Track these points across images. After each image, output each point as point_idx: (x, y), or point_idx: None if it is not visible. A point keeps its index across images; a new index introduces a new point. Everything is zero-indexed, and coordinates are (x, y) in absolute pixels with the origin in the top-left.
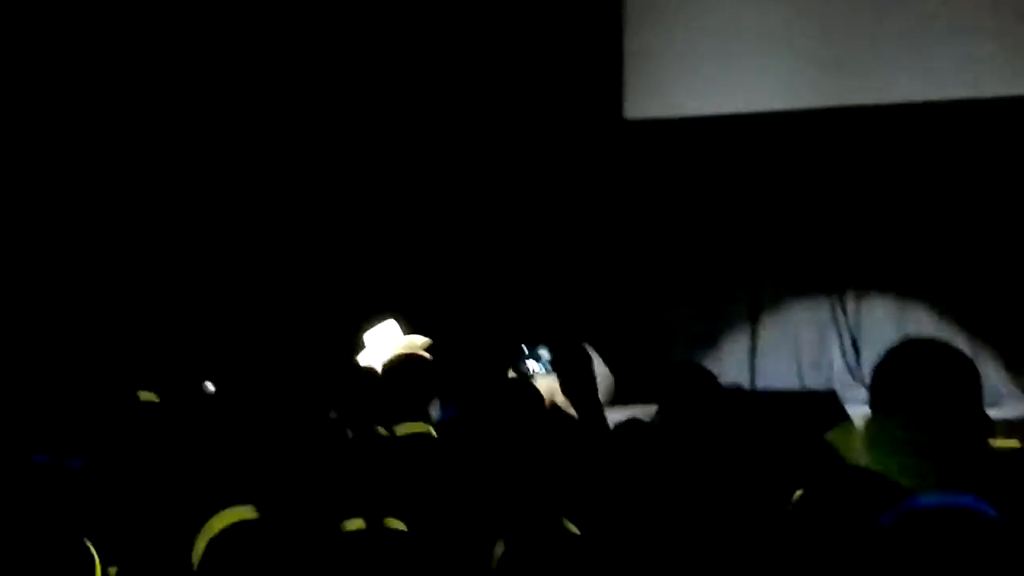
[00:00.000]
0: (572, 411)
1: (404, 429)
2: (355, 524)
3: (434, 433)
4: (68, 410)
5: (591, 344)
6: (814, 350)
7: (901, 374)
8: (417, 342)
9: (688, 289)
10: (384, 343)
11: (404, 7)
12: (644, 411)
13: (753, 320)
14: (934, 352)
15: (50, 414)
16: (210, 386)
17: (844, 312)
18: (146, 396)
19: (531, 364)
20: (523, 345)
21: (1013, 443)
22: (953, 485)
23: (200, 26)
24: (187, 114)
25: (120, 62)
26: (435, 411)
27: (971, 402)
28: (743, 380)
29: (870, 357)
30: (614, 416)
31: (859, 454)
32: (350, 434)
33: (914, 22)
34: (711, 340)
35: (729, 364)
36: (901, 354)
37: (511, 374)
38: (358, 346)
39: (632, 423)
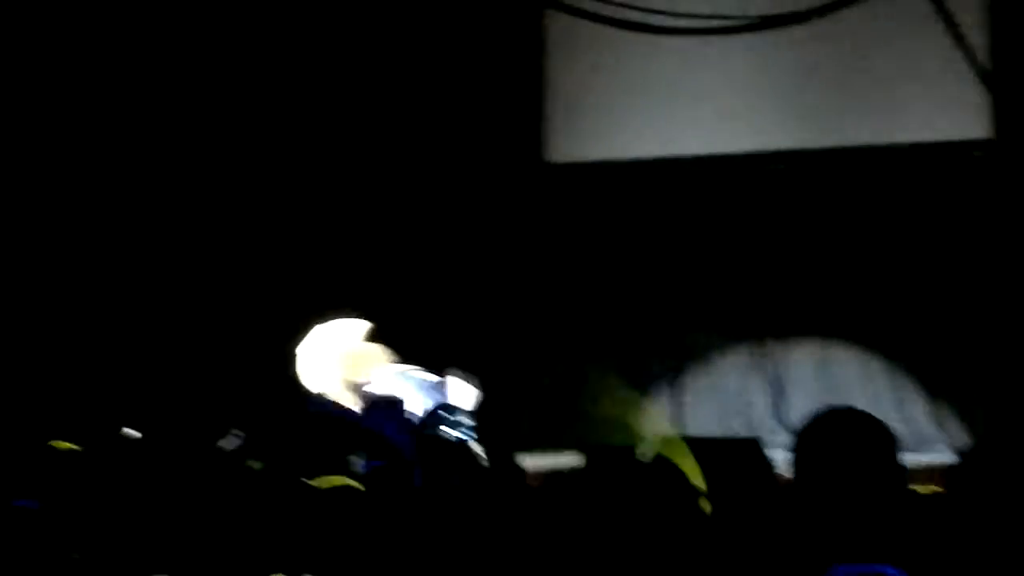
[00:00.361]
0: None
1: (327, 482)
2: None
3: (359, 486)
4: None
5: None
6: (738, 396)
7: (822, 445)
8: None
9: (610, 336)
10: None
11: (327, 44)
12: (560, 460)
13: (677, 366)
14: (853, 422)
15: None
16: (132, 432)
17: (768, 356)
18: (64, 445)
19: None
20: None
21: (935, 488)
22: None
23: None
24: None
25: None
26: (359, 463)
27: (889, 470)
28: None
29: (795, 402)
30: (532, 463)
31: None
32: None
33: (832, 68)
34: (634, 387)
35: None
36: (821, 424)
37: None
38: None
39: (555, 477)
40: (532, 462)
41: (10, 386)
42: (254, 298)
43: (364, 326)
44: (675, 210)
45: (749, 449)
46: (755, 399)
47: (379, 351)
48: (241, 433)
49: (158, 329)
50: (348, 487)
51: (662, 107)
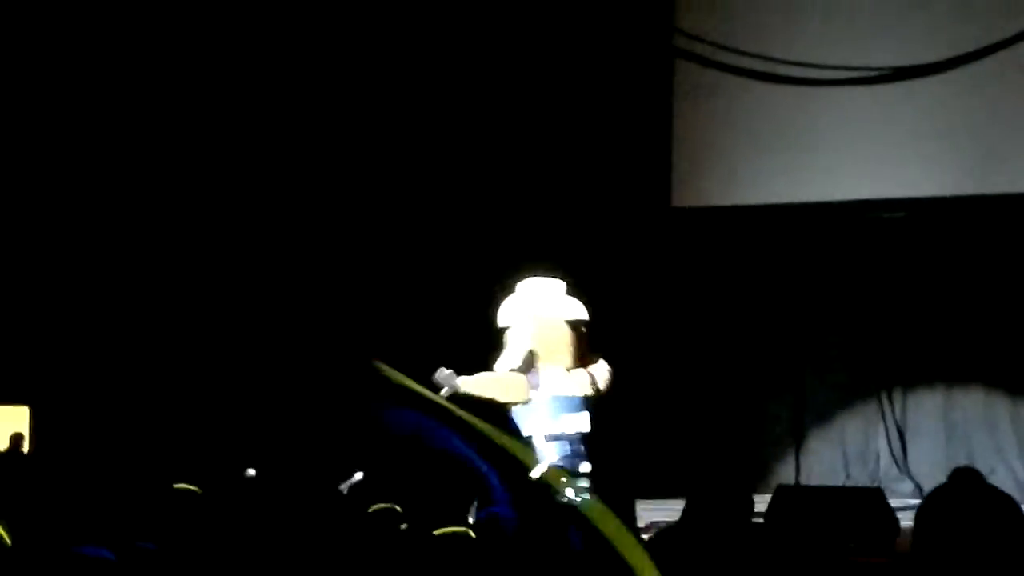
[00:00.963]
0: None
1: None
2: None
3: (472, 534)
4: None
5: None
6: (860, 444)
7: (947, 511)
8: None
9: (733, 382)
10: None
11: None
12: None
13: (798, 413)
14: (980, 493)
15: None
16: (251, 472)
17: (891, 404)
18: (185, 487)
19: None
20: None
21: None
22: None
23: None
24: None
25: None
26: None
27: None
28: (789, 476)
29: (917, 450)
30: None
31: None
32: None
33: (962, 118)
34: (757, 434)
35: (775, 459)
36: (946, 494)
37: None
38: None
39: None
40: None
41: (130, 427)
42: (363, 340)
43: (560, 286)
44: (797, 255)
45: (872, 499)
46: (876, 446)
47: (566, 335)
48: (360, 475)
49: (273, 371)
50: (462, 534)
51: (785, 154)
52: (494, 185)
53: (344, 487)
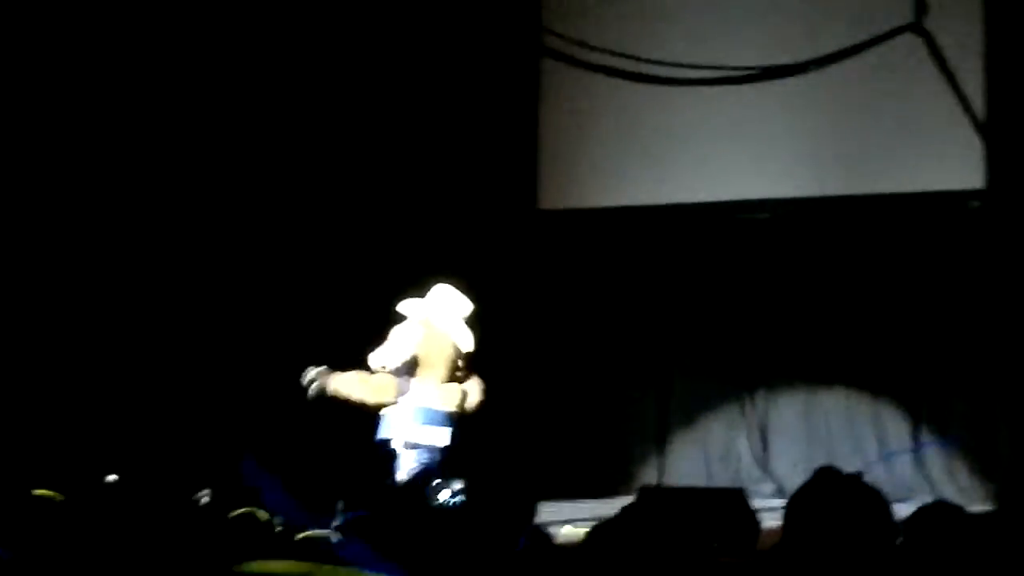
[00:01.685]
0: None
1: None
2: None
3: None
4: None
5: None
6: (722, 445)
7: (815, 508)
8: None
9: (597, 382)
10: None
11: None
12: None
13: (662, 415)
14: (846, 488)
15: None
16: (111, 477)
17: (753, 405)
18: (45, 493)
19: (443, 494)
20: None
21: None
22: None
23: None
24: None
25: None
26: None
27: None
28: (651, 476)
29: (778, 451)
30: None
31: None
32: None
33: (827, 118)
34: (620, 435)
35: (637, 459)
36: (815, 488)
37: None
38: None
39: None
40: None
41: None
42: (233, 348)
43: (467, 305)
44: (663, 258)
45: (733, 499)
46: (738, 448)
47: (449, 349)
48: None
49: (139, 378)
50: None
51: (653, 156)
52: (358, 187)
53: (201, 496)
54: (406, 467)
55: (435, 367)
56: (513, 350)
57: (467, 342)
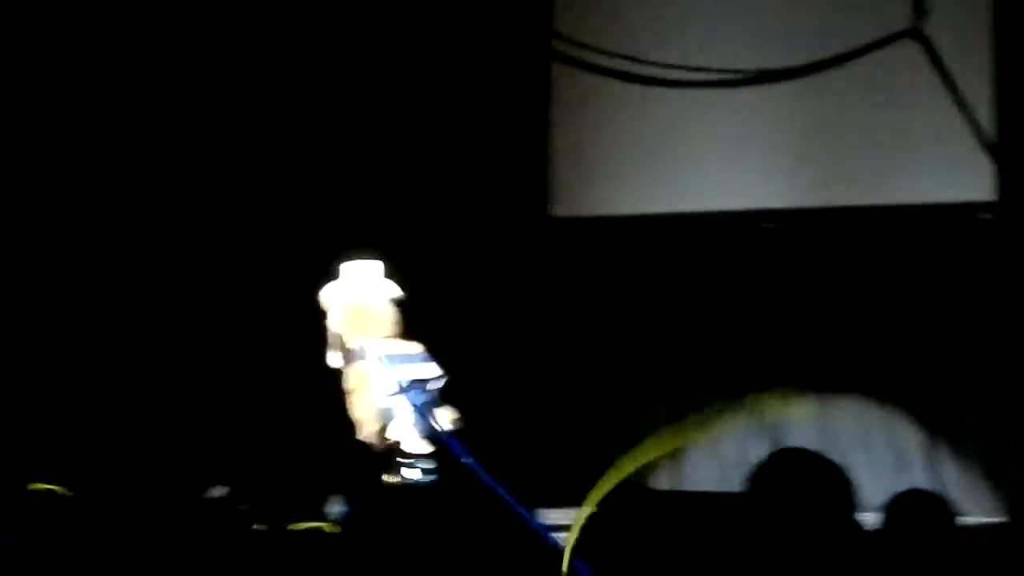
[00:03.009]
0: None
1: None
2: None
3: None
4: None
5: None
6: (736, 452)
7: (772, 485)
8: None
9: (607, 391)
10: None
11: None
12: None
13: (674, 423)
14: (806, 463)
15: None
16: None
17: (767, 413)
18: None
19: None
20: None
21: None
22: None
23: None
24: None
25: None
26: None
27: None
28: (665, 484)
29: None
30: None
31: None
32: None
33: (836, 126)
34: (634, 442)
35: (651, 468)
36: (773, 465)
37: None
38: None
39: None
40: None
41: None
42: (242, 349)
43: (378, 267)
44: (676, 267)
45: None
46: (753, 457)
47: (384, 314)
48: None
49: (150, 372)
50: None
51: (666, 162)
52: (367, 193)
53: (212, 494)
54: (404, 414)
55: (371, 330)
56: (521, 357)
57: (390, 291)
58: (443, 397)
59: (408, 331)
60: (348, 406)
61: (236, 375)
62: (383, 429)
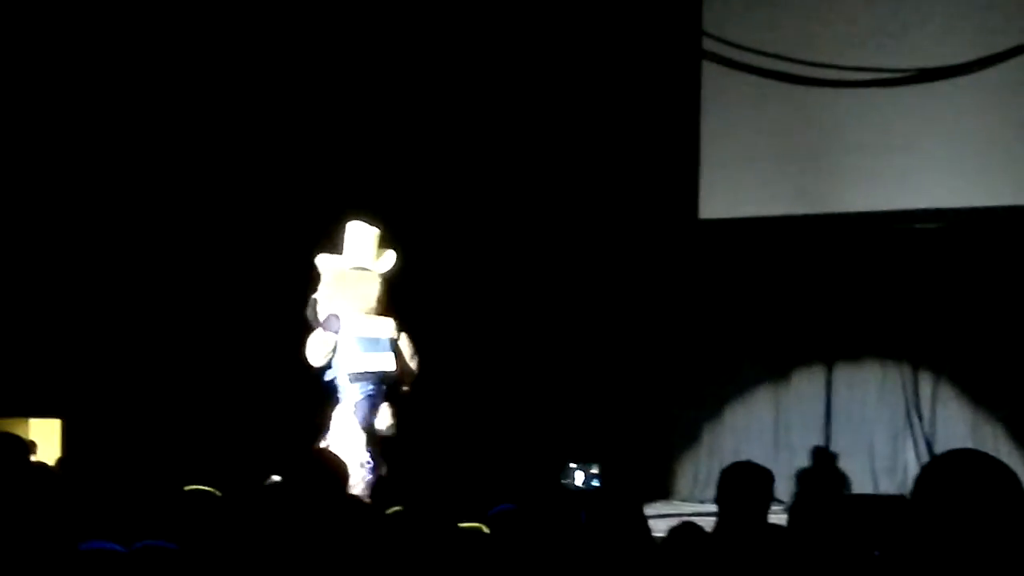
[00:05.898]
0: None
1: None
2: None
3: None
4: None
5: None
6: (888, 454)
7: (943, 488)
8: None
9: (761, 393)
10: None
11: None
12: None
13: (827, 424)
14: (976, 465)
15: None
16: (275, 478)
17: (919, 416)
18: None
19: (577, 477)
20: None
21: None
22: None
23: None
24: None
25: None
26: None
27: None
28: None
29: None
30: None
31: None
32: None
33: (991, 125)
34: (786, 444)
35: (802, 469)
36: (942, 467)
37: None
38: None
39: (686, 527)
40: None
41: (150, 429)
42: None
43: (373, 232)
44: (827, 266)
45: (898, 506)
46: (905, 458)
47: (371, 286)
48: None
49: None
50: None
51: (816, 163)
52: (520, 195)
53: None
54: (350, 399)
55: (357, 300)
56: (671, 358)
57: (382, 263)
58: (391, 394)
59: (563, 334)
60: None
61: None
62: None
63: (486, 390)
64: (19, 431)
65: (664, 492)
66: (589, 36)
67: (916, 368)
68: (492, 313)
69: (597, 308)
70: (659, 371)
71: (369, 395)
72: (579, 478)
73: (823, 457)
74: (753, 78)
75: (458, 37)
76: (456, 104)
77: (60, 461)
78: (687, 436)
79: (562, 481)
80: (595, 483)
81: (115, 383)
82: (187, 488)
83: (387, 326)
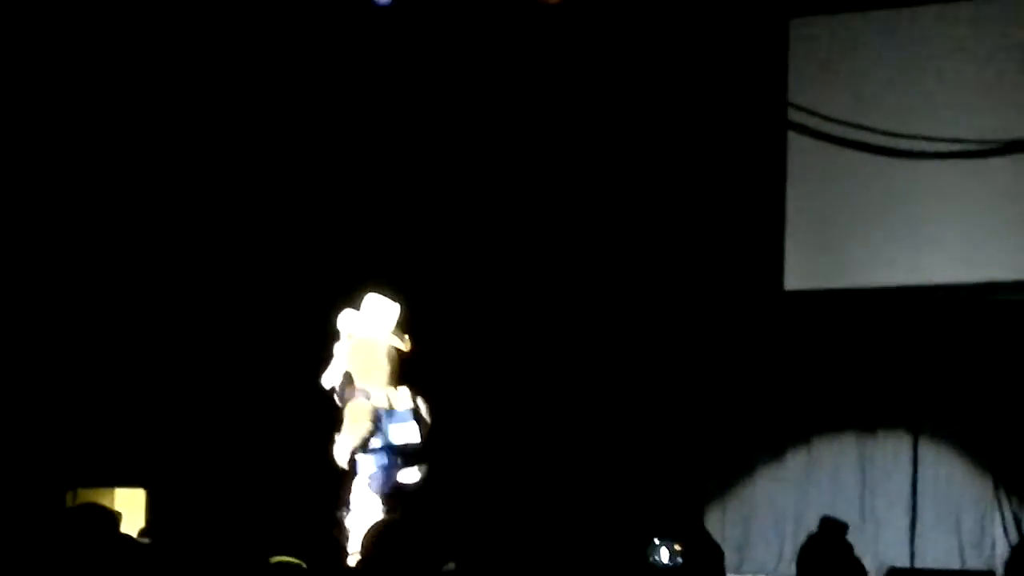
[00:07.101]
0: None
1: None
2: None
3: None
4: None
5: None
6: (976, 530)
7: None
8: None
9: (846, 465)
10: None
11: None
12: None
13: (913, 498)
14: None
15: None
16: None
17: (1006, 492)
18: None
19: (663, 553)
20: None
21: None
22: None
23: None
24: None
25: None
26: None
27: None
28: (902, 559)
29: None
30: None
31: None
32: None
33: None
34: (871, 518)
35: (888, 542)
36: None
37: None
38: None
39: None
40: None
41: (235, 498)
42: None
43: (394, 309)
44: (913, 339)
45: None
46: (993, 534)
47: (386, 361)
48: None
49: None
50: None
51: (903, 233)
52: (602, 264)
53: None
54: (365, 471)
55: (373, 372)
56: (754, 429)
57: (399, 343)
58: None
59: (645, 405)
60: (338, 430)
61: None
62: (352, 463)
63: (561, 460)
64: (105, 501)
65: (748, 566)
66: (677, 105)
67: (1002, 442)
68: (576, 383)
69: (681, 379)
70: (742, 443)
71: (383, 467)
72: (664, 554)
73: (908, 530)
74: (838, 148)
75: (543, 101)
76: (545, 172)
77: (144, 532)
78: (770, 509)
79: (651, 559)
80: (680, 560)
81: (199, 452)
82: (273, 560)
83: (404, 396)
